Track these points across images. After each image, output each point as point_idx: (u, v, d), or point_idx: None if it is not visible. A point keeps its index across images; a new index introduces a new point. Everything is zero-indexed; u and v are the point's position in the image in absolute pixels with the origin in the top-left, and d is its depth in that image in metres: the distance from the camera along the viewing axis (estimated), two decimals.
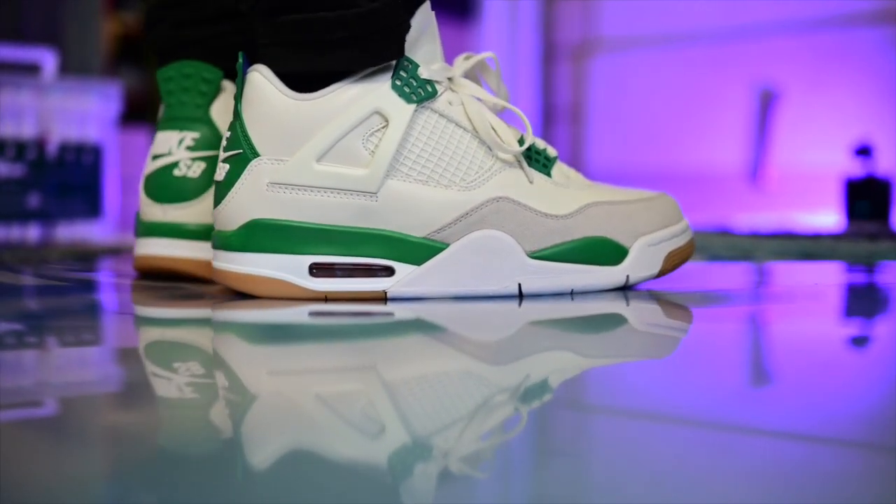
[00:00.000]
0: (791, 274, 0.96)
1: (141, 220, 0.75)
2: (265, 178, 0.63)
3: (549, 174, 0.69)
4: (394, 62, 0.65)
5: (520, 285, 0.66)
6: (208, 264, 0.72)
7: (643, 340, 0.54)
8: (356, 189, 0.63)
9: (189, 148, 0.73)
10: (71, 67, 1.95)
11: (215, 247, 0.65)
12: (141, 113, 2.70)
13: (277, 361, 0.45)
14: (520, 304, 0.64)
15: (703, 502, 0.25)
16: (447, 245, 0.65)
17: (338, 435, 0.31)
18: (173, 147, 0.74)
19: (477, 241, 0.65)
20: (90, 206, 1.69)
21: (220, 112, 0.74)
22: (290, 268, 0.63)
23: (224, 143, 0.65)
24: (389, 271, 0.64)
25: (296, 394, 0.37)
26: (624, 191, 0.72)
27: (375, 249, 0.64)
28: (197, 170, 0.73)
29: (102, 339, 0.56)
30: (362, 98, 0.63)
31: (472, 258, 0.65)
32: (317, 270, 0.64)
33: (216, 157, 0.73)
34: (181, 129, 0.74)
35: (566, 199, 0.68)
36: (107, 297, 0.73)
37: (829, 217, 2.11)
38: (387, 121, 0.64)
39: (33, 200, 1.62)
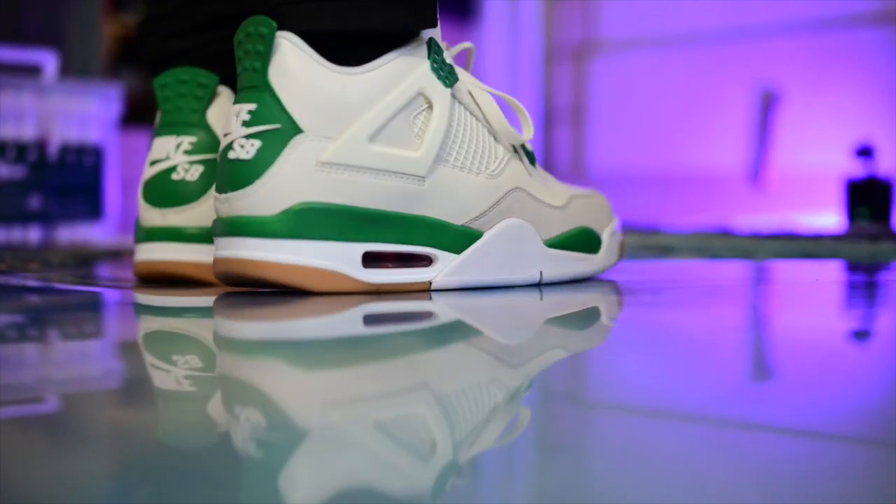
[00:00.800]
0: (791, 271, 0.96)
1: (140, 225, 0.74)
2: (314, 157, 0.58)
3: (534, 167, 0.70)
4: (426, 42, 0.63)
5: (541, 273, 0.67)
6: (210, 267, 0.70)
7: (649, 335, 0.54)
8: (408, 172, 0.60)
9: (187, 152, 0.73)
10: (72, 69, 1.95)
11: (239, 233, 0.59)
12: (141, 114, 2.70)
13: (333, 390, 0.45)
14: (541, 297, 0.64)
15: (705, 499, 0.25)
16: (482, 233, 0.64)
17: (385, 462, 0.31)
18: (171, 151, 0.73)
19: (507, 230, 0.65)
20: (91, 207, 1.70)
21: (217, 116, 0.74)
22: (343, 257, 0.58)
23: (246, 116, 0.59)
24: (429, 260, 0.62)
25: (349, 423, 0.37)
26: (568, 185, 0.75)
27: (420, 237, 0.61)
28: (195, 173, 0.72)
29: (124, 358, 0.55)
30: (407, 76, 0.61)
31: (504, 247, 0.65)
32: (369, 260, 0.60)
33: (214, 160, 0.72)
34: (178, 133, 0.73)
35: (554, 190, 0.70)
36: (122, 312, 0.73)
37: (830, 218, 2.11)
38: (430, 103, 0.62)
39: (34, 202, 1.62)
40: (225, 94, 0.74)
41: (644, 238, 1.26)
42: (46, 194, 1.63)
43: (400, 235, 0.60)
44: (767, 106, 3.15)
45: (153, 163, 0.74)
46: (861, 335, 0.56)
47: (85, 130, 1.69)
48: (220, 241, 0.60)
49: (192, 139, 0.73)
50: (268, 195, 0.58)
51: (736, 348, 0.52)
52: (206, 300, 0.65)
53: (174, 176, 0.72)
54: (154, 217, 0.73)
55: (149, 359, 0.46)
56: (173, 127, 0.74)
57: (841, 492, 0.26)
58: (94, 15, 2.18)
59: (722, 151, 3.20)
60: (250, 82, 0.59)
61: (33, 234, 1.62)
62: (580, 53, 3.65)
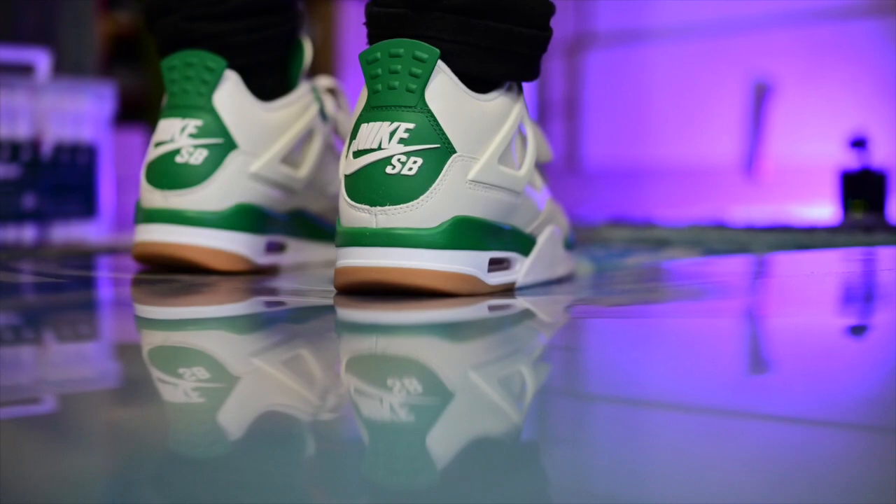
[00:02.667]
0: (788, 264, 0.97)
1: (141, 206, 0.75)
2: (464, 175, 0.65)
3: None
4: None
5: (564, 270, 0.77)
6: (208, 251, 0.75)
7: (649, 330, 0.54)
8: (514, 189, 0.68)
9: (192, 135, 0.74)
10: (65, 68, 1.95)
11: (397, 244, 0.64)
12: (135, 113, 2.70)
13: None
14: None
15: (702, 489, 0.25)
16: (536, 238, 0.72)
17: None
18: (175, 134, 0.74)
19: (551, 235, 0.74)
20: (85, 206, 1.69)
21: (223, 100, 0.75)
22: (479, 264, 0.66)
23: (404, 134, 0.64)
24: (508, 263, 0.70)
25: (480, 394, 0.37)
26: None
27: (511, 244, 0.69)
28: (199, 157, 0.74)
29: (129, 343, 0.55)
30: (514, 107, 0.69)
31: (549, 249, 0.74)
32: (491, 265, 0.67)
33: (218, 144, 0.75)
34: (184, 116, 0.75)
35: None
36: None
37: (824, 209, 2.11)
38: (521, 130, 0.71)
39: (28, 201, 1.62)
40: (232, 79, 0.76)
41: (638, 232, 1.26)
42: (40, 193, 1.63)
43: (503, 243, 0.68)
44: (761, 98, 3.15)
45: (158, 144, 0.75)
46: (858, 329, 0.56)
47: (79, 129, 1.69)
48: (365, 251, 0.64)
49: (198, 122, 0.74)
50: (431, 208, 0.63)
51: (733, 340, 0.52)
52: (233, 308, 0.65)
53: (178, 159, 0.74)
54: (155, 198, 0.75)
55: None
56: (179, 109, 0.75)
57: (838, 478, 0.26)
58: (86, 13, 2.18)
59: (716, 144, 3.20)
60: (402, 102, 0.64)
61: (28, 233, 1.61)
62: (573, 47, 3.65)
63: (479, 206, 0.65)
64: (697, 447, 0.29)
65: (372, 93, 0.66)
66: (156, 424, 0.33)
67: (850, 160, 1.78)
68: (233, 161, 0.76)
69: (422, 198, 0.63)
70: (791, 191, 3.02)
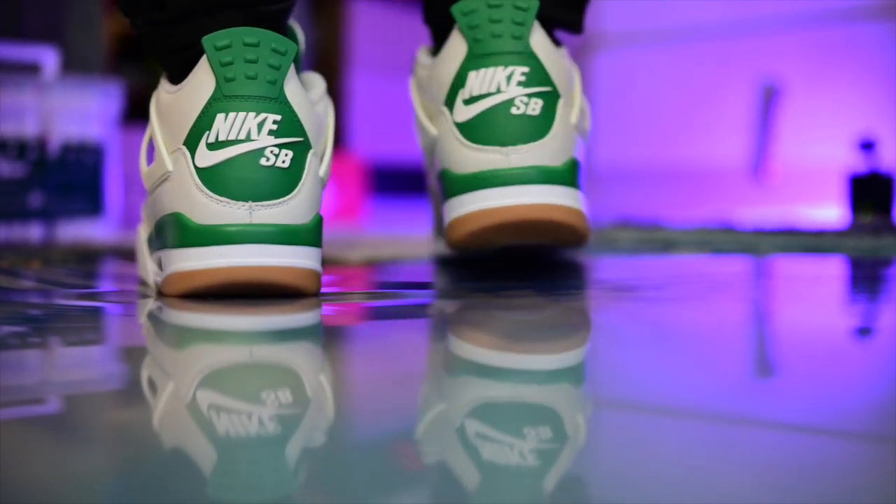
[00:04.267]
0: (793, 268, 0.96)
1: (195, 224, 0.61)
2: (571, 119, 0.69)
3: None
4: None
5: None
6: (308, 274, 0.62)
7: (636, 332, 0.54)
8: (584, 136, 0.73)
9: (273, 133, 0.61)
10: (72, 66, 1.95)
11: (542, 181, 0.66)
12: (143, 111, 2.70)
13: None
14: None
15: (708, 495, 0.25)
16: None
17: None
18: (253, 131, 0.61)
19: None
20: (92, 205, 1.69)
21: (293, 90, 0.63)
22: (586, 202, 0.70)
23: (521, 77, 0.67)
24: None
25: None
26: None
27: None
28: (286, 160, 0.62)
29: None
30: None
31: None
32: None
33: (299, 144, 0.62)
34: (259, 111, 0.61)
35: None
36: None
37: (832, 212, 2.11)
38: None
39: (35, 200, 1.62)
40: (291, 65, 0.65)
41: (646, 233, 1.26)
42: (47, 192, 1.63)
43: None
44: (769, 100, 3.14)
45: (226, 144, 0.62)
46: (864, 332, 0.56)
47: (86, 128, 1.69)
48: (508, 189, 0.66)
49: (277, 118, 0.62)
50: (555, 149, 0.66)
51: (738, 344, 0.51)
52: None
53: (263, 161, 0.61)
54: (234, 213, 0.61)
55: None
56: (250, 101, 0.62)
57: (847, 487, 0.26)
58: (94, 12, 2.18)
59: (724, 146, 3.19)
60: (514, 48, 0.67)
61: (34, 232, 1.61)
62: (581, 48, 3.65)
63: (578, 150, 0.69)
64: (702, 453, 0.29)
65: (473, 41, 0.67)
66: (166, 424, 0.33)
67: (859, 163, 1.77)
68: (311, 164, 0.63)
69: (547, 137, 0.67)
70: (799, 193, 3.02)
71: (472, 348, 0.51)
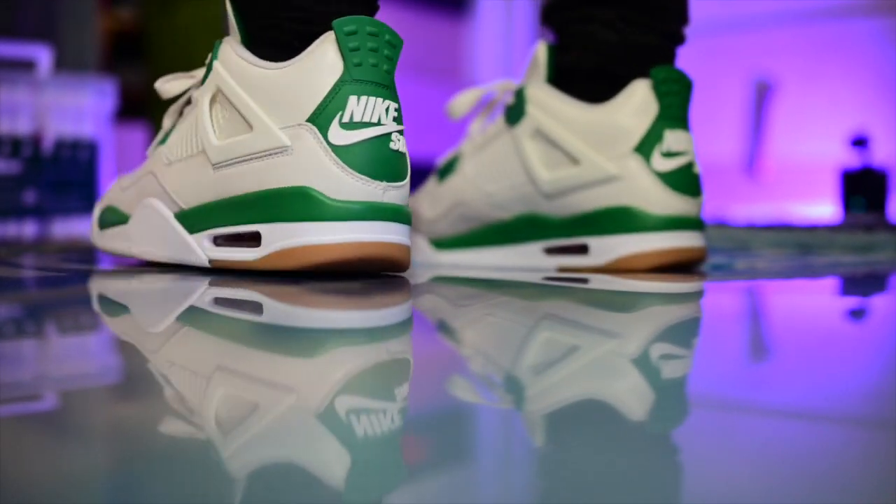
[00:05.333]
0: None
1: (320, 195, 0.62)
2: None
3: None
4: None
5: None
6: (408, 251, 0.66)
7: (632, 318, 0.54)
8: None
9: (395, 119, 0.65)
10: (66, 63, 1.95)
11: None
12: (137, 109, 2.69)
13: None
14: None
15: (705, 485, 0.25)
16: None
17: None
18: (382, 115, 0.64)
19: None
20: (86, 202, 1.69)
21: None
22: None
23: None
24: None
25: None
26: None
27: None
28: (402, 145, 0.65)
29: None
30: None
31: None
32: None
33: (401, 131, 0.65)
34: (385, 97, 0.64)
35: None
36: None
37: (825, 208, 2.11)
38: None
39: (29, 197, 1.62)
40: None
41: None
42: (41, 189, 1.63)
43: None
44: (762, 96, 3.15)
45: (361, 125, 0.63)
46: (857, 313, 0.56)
47: (80, 125, 1.69)
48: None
49: (397, 105, 0.65)
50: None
51: (734, 332, 0.52)
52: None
53: (392, 145, 0.64)
54: (371, 190, 0.63)
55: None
56: (378, 88, 0.64)
57: (843, 473, 0.26)
58: (88, 9, 2.18)
59: (717, 142, 3.20)
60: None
61: (28, 229, 1.61)
62: None
63: None
64: (698, 441, 0.29)
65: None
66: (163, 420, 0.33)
67: (851, 159, 1.78)
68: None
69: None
70: (792, 189, 3.02)
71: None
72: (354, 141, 0.62)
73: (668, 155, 0.77)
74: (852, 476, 0.27)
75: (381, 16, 0.68)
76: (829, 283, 0.80)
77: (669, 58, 0.83)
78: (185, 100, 0.74)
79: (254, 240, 0.65)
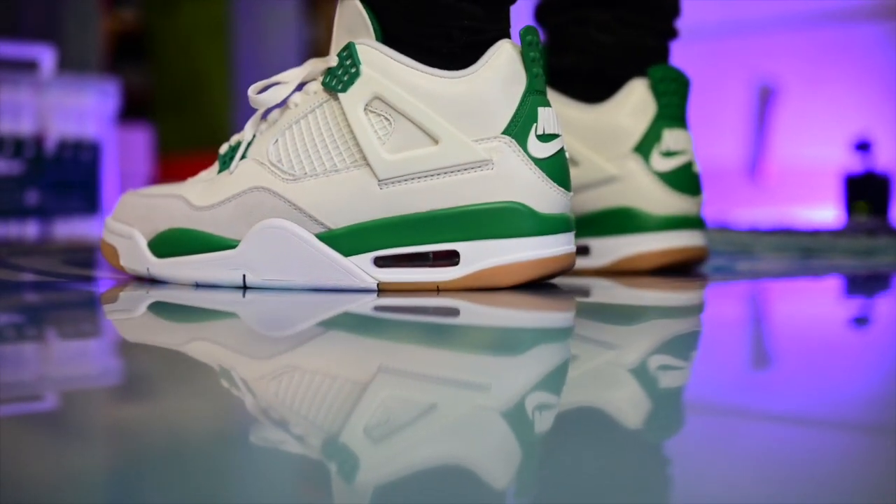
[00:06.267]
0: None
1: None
2: None
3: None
4: None
5: None
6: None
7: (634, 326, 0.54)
8: None
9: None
10: (69, 64, 1.95)
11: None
12: (139, 110, 2.70)
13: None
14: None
15: (706, 490, 0.25)
16: None
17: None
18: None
19: None
20: (88, 202, 1.70)
21: None
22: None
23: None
24: None
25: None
26: None
27: None
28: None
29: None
30: None
31: None
32: None
33: None
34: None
35: None
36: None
37: (828, 212, 2.11)
38: None
39: (31, 197, 1.62)
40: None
41: None
42: (43, 189, 1.63)
43: None
44: (765, 100, 3.15)
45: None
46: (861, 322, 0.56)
47: (82, 125, 1.69)
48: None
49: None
50: None
51: (735, 337, 0.52)
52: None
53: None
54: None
55: None
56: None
57: (843, 479, 0.26)
58: (91, 10, 2.18)
59: (720, 146, 3.20)
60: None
61: (30, 230, 1.61)
62: None
63: None
64: (699, 447, 0.29)
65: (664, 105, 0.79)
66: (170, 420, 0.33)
67: (854, 163, 1.78)
68: None
69: None
70: (795, 193, 3.02)
71: None
72: (550, 154, 0.62)
73: (668, 154, 0.78)
74: (853, 481, 0.27)
75: None
76: (831, 285, 0.80)
77: (665, 56, 0.84)
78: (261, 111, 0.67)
79: (440, 258, 0.62)
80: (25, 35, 1.95)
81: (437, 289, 0.61)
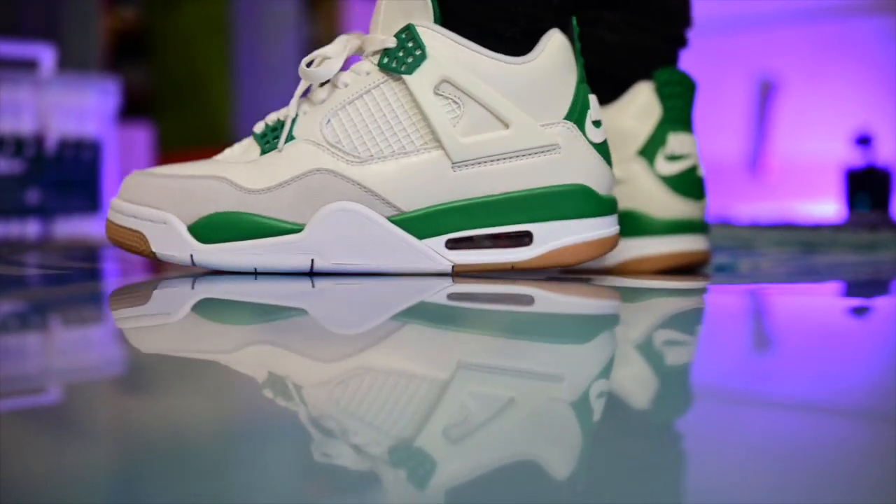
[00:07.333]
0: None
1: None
2: None
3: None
4: None
5: None
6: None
7: (634, 313, 0.54)
8: None
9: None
10: (69, 63, 1.95)
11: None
12: (140, 108, 2.70)
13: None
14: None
15: (709, 479, 0.25)
16: None
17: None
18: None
19: None
20: (89, 201, 1.70)
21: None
22: None
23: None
24: None
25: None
26: None
27: None
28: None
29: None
30: None
31: None
32: None
33: None
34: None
35: None
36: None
37: (829, 207, 2.11)
38: None
39: (32, 196, 1.62)
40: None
41: None
42: (44, 188, 1.63)
43: None
44: (766, 95, 3.15)
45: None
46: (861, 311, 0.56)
47: (83, 124, 1.69)
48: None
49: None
50: None
51: (737, 325, 0.52)
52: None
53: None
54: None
55: None
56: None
57: (844, 467, 0.26)
58: (91, 8, 2.18)
59: (721, 141, 3.20)
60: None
61: (31, 229, 1.62)
62: None
63: None
64: (701, 432, 0.29)
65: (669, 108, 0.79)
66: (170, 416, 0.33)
67: (855, 158, 1.77)
68: None
69: None
70: (796, 188, 3.02)
71: None
72: (603, 139, 0.66)
73: (672, 158, 0.78)
74: (855, 468, 0.27)
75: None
76: (835, 288, 0.80)
77: (672, 60, 0.83)
78: (305, 86, 0.64)
79: (511, 239, 0.63)
80: (26, 34, 1.95)
81: (512, 268, 0.63)
